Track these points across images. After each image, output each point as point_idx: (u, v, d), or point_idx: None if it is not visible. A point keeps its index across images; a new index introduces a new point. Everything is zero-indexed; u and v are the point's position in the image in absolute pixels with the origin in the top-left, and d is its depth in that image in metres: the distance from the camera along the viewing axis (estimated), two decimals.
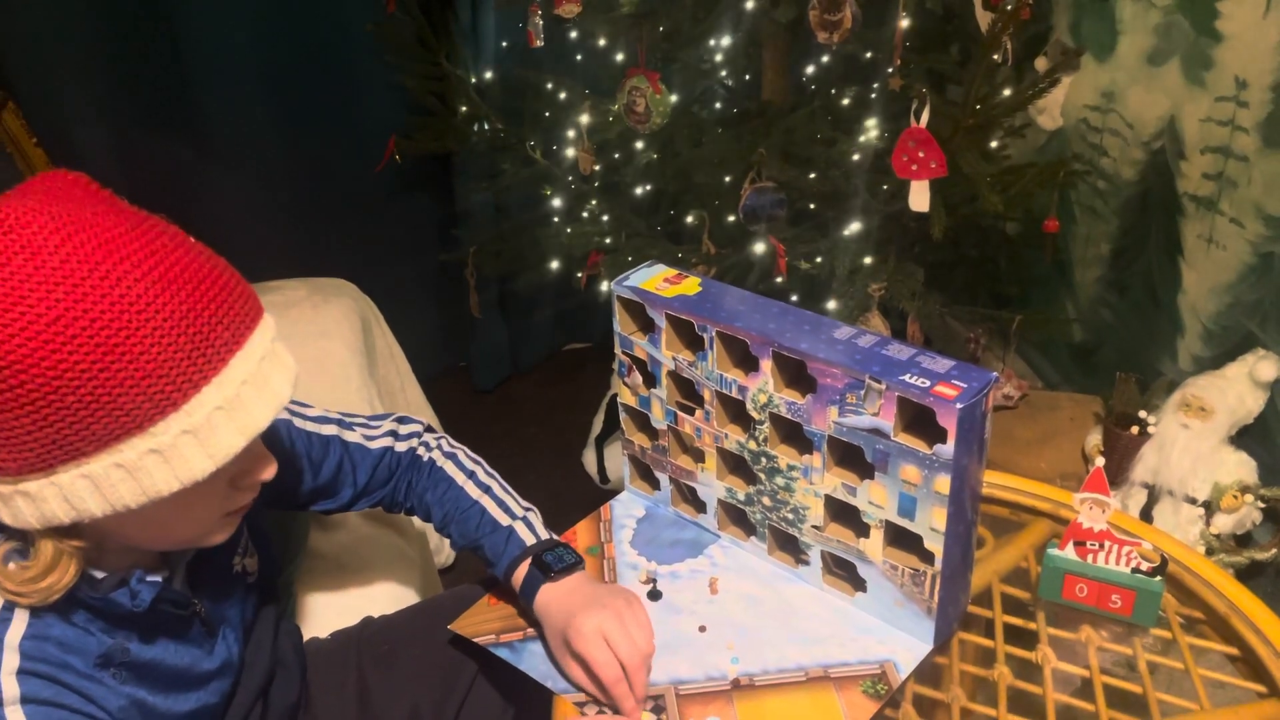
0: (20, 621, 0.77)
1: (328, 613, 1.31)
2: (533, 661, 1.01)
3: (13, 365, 0.67)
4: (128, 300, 0.69)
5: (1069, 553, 1.02)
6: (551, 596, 1.00)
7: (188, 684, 0.90)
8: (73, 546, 0.76)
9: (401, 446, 1.12)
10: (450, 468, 1.11)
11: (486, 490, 1.09)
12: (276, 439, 1.02)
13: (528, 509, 1.09)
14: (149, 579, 0.83)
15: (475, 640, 1.05)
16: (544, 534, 1.06)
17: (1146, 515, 1.78)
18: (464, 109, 2.29)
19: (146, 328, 0.69)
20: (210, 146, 2.32)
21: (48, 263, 0.67)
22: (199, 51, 2.24)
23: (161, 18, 2.18)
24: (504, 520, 1.07)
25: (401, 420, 1.14)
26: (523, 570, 1.03)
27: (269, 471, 0.83)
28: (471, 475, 1.11)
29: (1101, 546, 1.00)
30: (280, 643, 1.08)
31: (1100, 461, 1.00)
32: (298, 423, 1.06)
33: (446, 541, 1.99)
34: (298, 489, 1.06)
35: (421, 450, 1.12)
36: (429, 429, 1.16)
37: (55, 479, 0.71)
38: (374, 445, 1.10)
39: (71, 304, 0.67)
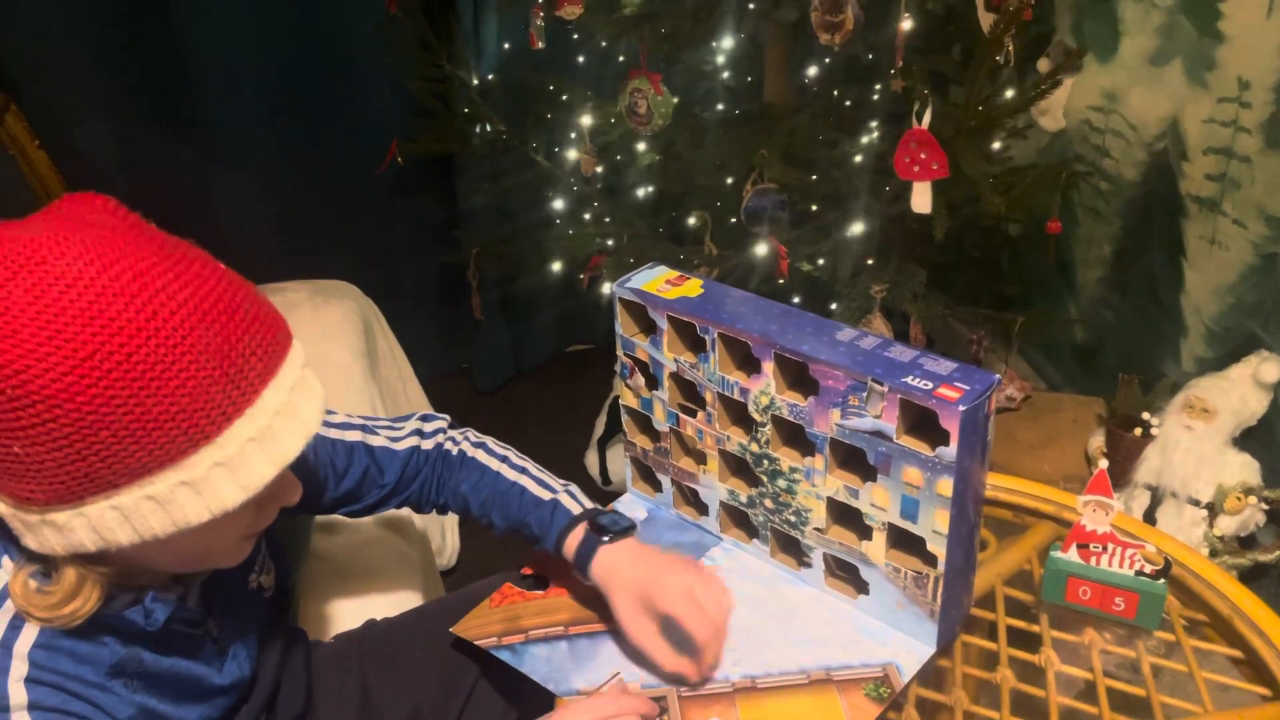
0: (31, 630, 0.76)
1: (330, 615, 1.31)
2: (534, 664, 1.01)
3: (47, 400, 0.65)
4: (164, 334, 0.67)
5: (1072, 555, 1.02)
6: (617, 559, 1.00)
7: (197, 696, 0.90)
8: (97, 572, 0.75)
9: (428, 444, 1.11)
10: (482, 455, 1.10)
11: (523, 471, 1.09)
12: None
13: (566, 484, 1.09)
14: (163, 598, 0.82)
15: (477, 643, 1.05)
16: (588, 504, 1.06)
17: (1150, 517, 1.78)
18: (466, 111, 2.29)
19: (182, 361, 0.68)
20: (212, 149, 2.33)
21: (84, 295, 0.65)
22: (201, 54, 2.24)
23: (163, 20, 2.18)
24: (546, 495, 1.06)
25: (425, 419, 1.14)
26: (576, 537, 1.02)
27: (294, 496, 0.83)
28: (505, 460, 1.11)
29: (1105, 549, 1.00)
30: (289, 653, 1.07)
31: (1103, 464, 1.00)
32: (321, 430, 1.03)
33: (449, 543, 1.99)
34: (321, 497, 1.06)
35: (449, 445, 1.11)
36: (453, 425, 1.15)
37: (84, 510, 0.70)
38: (400, 446, 1.09)
39: (108, 338, 0.66)
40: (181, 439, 0.69)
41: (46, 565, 0.75)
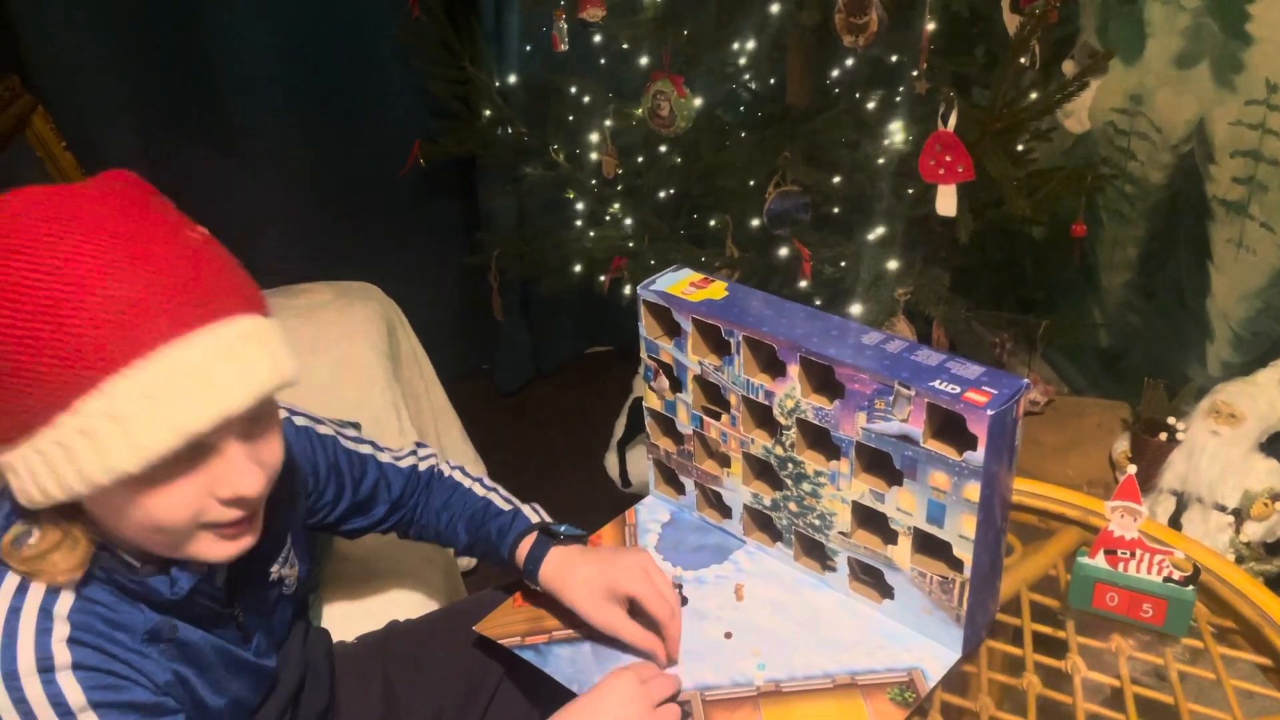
0: (68, 595, 0.79)
1: (353, 616, 1.31)
2: (558, 664, 1.01)
3: None
4: (41, 284, 0.70)
5: (1099, 561, 1.01)
6: (567, 559, 1.05)
7: (231, 670, 0.91)
8: (78, 529, 0.78)
9: (423, 465, 1.16)
10: (458, 475, 1.17)
11: (493, 490, 1.15)
12: (324, 455, 1.06)
13: (533, 504, 1.14)
14: (188, 569, 0.84)
15: (500, 642, 1.05)
16: (549, 519, 1.12)
17: (1175, 523, 1.76)
18: (488, 113, 2.29)
19: (58, 308, 0.70)
20: (237, 150, 2.34)
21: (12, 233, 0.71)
22: (225, 56, 2.26)
23: (189, 23, 2.19)
24: (508, 507, 1.12)
25: (420, 445, 1.20)
26: (528, 541, 1.07)
27: (246, 484, 0.79)
28: (478, 480, 1.17)
29: (1133, 555, 0.99)
30: (311, 649, 1.09)
31: (1132, 469, 0.99)
32: (343, 442, 1.10)
33: None
34: (338, 503, 1.09)
35: (437, 468, 1.17)
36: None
37: (17, 451, 0.74)
38: (403, 464, 1.15)
39: (19, 271, 0.70)
40: (70, 378, 0.71)
41: (34, 524, 0.78)
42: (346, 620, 1.29)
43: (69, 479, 0.73)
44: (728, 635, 1.02)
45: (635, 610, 1.01)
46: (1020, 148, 1.87)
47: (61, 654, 0.76)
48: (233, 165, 2.35)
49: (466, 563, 1.99)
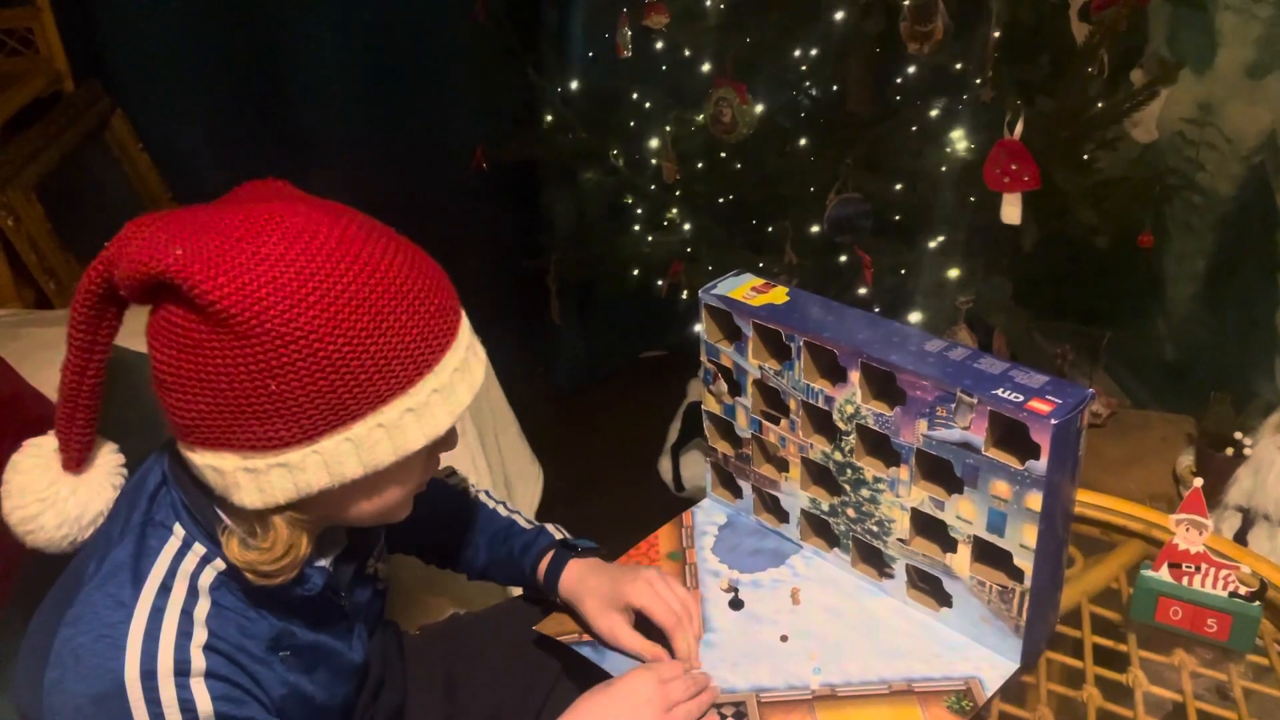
0: (205, 600, 0.80)
1: (415, 608, 1.34)
2: (615, 661, 1.02)
3: (309, 335, 0.72)
4: (390, 278, 0.76)
5: (1163, 574, 1.00)
6: (584, 571, 1.07)
7: (340, 674, 0.93)
8: (303, 519, 0.80)
9: (452, 480, 1.20)
10: (482, 496, 1.20)
11: (515, 512, 1.19)
12: None
13: (556, 525, 1.17)
14: (318, 564, 0.86)
15: (560, 638, 1.07)
16: (570, 536, 1.14)
17: (1240, 540, 1.73)
18: (549, 118, 2.32)
19: (406, 300, 0.76)
20: (305, 153, 2.39)
21: (325, 245, 0.74)
22: (295, 62, 2.31)
23: (261, 31, 2.26)
24: (530, 526, 1.15)
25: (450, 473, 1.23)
26: (548, 560, 1.10)
27: (452, 444, 0.88)
28: (501, 502, 1.20)
29: (1197, 569, 0.98)
30: (387, 642, 1.11)
31: (1198, 482, 0.98)
32: None
33: None
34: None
35: (461, 485, 1.21)
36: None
37: (319, 446, 0.76)
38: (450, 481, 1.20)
39: (353, 278, 0.74)
40: (411, 368, 0.77)
41: (250, 525, 0.79)
42: (408, 612, 1.32)
43: (346, 469, 0.77)
44: (783, 638, 1.03)
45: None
46: (1085, 157, 1.85)
47: (198, 660, 0.77)
48: (301, 166, 2.38)
49: None
